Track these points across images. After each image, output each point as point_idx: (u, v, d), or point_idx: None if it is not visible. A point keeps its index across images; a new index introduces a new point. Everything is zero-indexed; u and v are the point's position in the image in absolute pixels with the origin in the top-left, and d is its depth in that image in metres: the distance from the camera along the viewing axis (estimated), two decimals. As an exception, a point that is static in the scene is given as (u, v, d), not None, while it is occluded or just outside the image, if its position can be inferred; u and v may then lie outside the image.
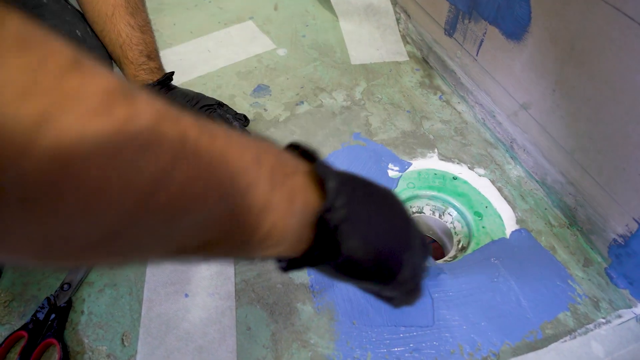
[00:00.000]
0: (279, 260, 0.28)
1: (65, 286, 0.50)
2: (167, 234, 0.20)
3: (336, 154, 0.64)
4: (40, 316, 0.47)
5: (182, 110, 0.20)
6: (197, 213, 0.20)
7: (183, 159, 0.18)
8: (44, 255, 0.17)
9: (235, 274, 0.51)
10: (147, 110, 0.17)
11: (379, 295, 0.34)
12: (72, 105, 0.15)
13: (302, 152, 0.29)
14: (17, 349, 0.45)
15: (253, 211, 0.23)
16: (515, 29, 0.56)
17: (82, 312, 0.49)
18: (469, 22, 0.65)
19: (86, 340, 0.47)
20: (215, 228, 0.22)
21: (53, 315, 0.47)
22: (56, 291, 0.49)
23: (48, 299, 0.48)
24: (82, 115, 0.15)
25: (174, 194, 0.18)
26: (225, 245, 0.24)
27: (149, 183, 0.17)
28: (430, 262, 0.38)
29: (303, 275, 0.51)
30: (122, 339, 0.47)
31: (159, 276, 0.51)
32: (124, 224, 0.18)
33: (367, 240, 0.28)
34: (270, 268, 0.52)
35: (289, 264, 0.28)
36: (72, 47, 0.16)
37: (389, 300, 0.34)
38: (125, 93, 0.17)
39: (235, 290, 0.50)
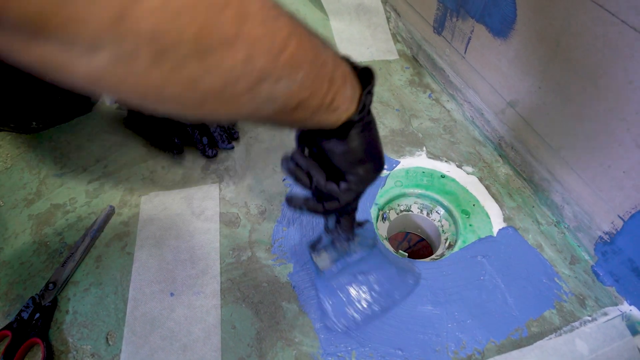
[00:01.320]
0: (320, 135, 0.38)
1: (51, 285, 0.50)
2: (285, 87, 0.29)
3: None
4: (25, 315, 0.47)
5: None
6: (301, 71, 0.29)
7: (295, 33, 0.28)
8: (225, 92, 0.26)
9: (220, 272, 0.51)
10: None
11: (327, 197, 0.41)
12: None
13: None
14: (1, 348, 0.45)
15: (326, 79, 0.32)
16: (501, 26, 0.56)
17: (67, 311, 0.49)
18: (457, 20, 0.65)
19: (70, 340, 0.46)
20: (307, 87, 0.31)
21: (38, 315, 0.47)
22: (41, 290, 0.49)
23: (33, 298, 0.48)
24: None
25: (290, 55, 0.28)
26: (310, 106, 0.32)
27: (277, 46, 0.27)
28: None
29: (288, 274, 0.51)
30: (107, 338, 0.46)
31: (144, 275, 0.51)
32: (268, 70, 0.27)
33: (375, 133, 0.39)
34: (256, 267, 0.52)
35: (326, 133, 0.37)
36: None
37: (331, 207, 0.41)
38: None
39: (221, 289, 0.50)
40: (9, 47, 0.20)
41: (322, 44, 0.33)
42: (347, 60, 0.37)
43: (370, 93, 0.37)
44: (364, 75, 0.37)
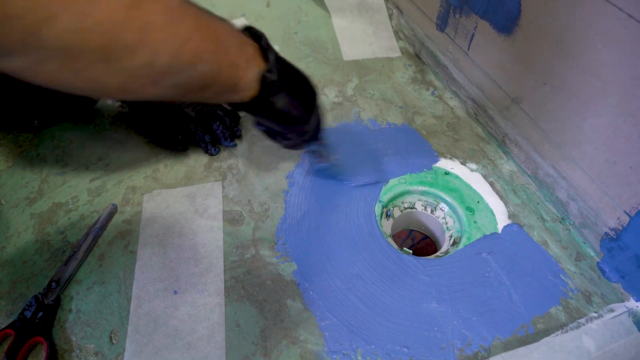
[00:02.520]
0: (235, 106, 0.43)
1: (53, 284, 0.49)
2: (187, 76, 0.33)
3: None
4: (28, 314, 0.47)
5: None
6: (203, 63, 0.33)
7: (198, 30, 0.32)
8: (127, 87, 0.30)
9: (224, 270, 0.51)
10: None
11: (280, 138, 0.50)
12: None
13: (251, 33, 0.42)
14: (4, 347, 0.45)
15: (229, 65, 0.36)
16: (505, 22, 0.56)
17: (70, 310, 0.48)
18: (460, 16, 0.65)
19: (74, 338, 0.46)
20: (210, 75, 0.35)
21: (41, 313, 0.47)
22: (44, 289, 0.49)
23: (36, 297, 0.48)
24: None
25: (193, 50, 0.32)
26: (213, 89, 0.36)
27: (178, 44, 0.30)
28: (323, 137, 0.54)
29: (292, 272, 0.51)
30: (110, 337, 0.46)
31: (147, 273, 0.51)
32: (169, 66, 0.31)
33: (287, 97, 0.43)
34: (260, 265, 0.52)
35: (239, 106, 0.43)
36: None
37: (283, 142, 0.50)
38: None
39: (225, 287, 0.50)
40: None
41: (228, 32, 0.36)
42: (258, 36, 0.41)
43: (270, 72, 0.40)
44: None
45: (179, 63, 0.31)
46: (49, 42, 0.24)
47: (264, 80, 0.40)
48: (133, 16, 0.27)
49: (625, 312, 0.48)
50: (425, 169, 0.61)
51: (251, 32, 0.42)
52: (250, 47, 0.39)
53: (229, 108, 0.67)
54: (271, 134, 0.50)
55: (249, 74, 0.39)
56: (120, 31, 0.27)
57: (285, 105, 0.43)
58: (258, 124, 0.47)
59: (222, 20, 0.37)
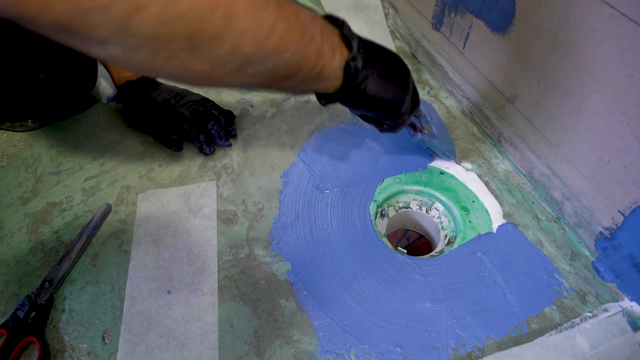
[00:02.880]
0: (320, 98, 0.44)
1: (47, 284, 0.49)
2: (271, 65, 0.33)
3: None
4: (21, 314, 0.47)
5: None
6: (287, 52, 0.33)
7: (282, 18, 0.32)
8: (213, 74, 0.31)
9: (218, 270, 0.51)
10: None
11: (378, 123, 0.49)
12: None
13: (332, 20, 0.41)
14: (-4, 347, 0.45)
15: (313, 54, 0.36)
16: (500, 21, 0.56)
17: (63, 309, 0.48)
18: (455, 15, 0.65)
19: (67, 338, 0.46)
20: (294, 63, 0.35)
21: (33, 313, 0.47)
22: (37, 289, 0.49)
23: (29, 296, 0.48)
24: None
25: (277, 39, 0.32)
26: (297, 78, 0.36)
27: (263, 33, 0.31)
28: (420, 112, 0.54)
29: (286, 271, 0.51)
30: (103, 337, 0.46)
31: (141, 273, 0.51)
32: (254, 55, 0.31)
33: (378, 82, 0.42)
34: (254, 264, 0.51)
35: (328, 98, 0.43)
36: None
37: (382, 126, 0.49)
38: None
39: (218, 287, 0.50)
40: (49, 36, 0.25)
41: (311, 20, 0.36)
42: (339, 23, 0.40)
43: (354, 60, 0.39)
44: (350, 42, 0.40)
45: (263, 52, 0.32)
46: (139, 31, 0.26)
47: (348, 68, 0.39)
48: (218, 5, 0.28)
49: (620, 311, 0.47)
50: (420, 169, 0.61)
51: (332, 20, 0.41)
52: (335, 35, 0.39)
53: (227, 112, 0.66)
54: (368, 119, 0.50)
55: (334, 62, 0.38)
56: (205, 20, 0.27)
57: (377, 90, 0.42)
58: (353, 109, 0.46)
59: (304, 7, 0.36)
